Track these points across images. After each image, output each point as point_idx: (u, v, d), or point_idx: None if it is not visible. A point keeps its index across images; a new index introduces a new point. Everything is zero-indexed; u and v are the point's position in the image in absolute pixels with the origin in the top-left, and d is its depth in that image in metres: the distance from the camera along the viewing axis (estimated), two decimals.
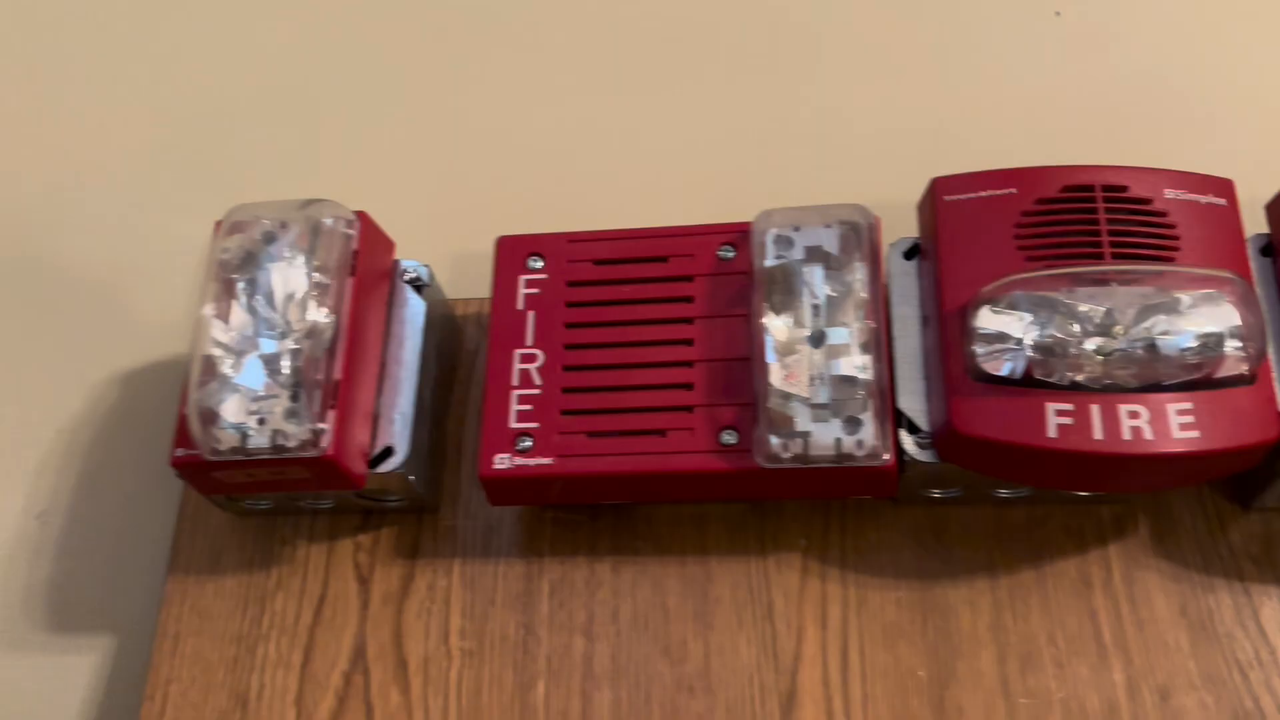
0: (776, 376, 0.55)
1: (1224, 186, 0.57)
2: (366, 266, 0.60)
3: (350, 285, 0.58)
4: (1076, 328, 0.52)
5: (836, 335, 0.56)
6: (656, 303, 0.59)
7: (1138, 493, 0.59)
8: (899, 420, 0.56)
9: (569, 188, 0.73)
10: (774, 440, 0.54)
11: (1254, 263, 0.58)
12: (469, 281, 0.68)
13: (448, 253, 0.70)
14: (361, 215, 0.60)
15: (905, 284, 0.59)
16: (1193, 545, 0.59)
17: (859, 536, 0.61)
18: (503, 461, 0.57)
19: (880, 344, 0.56)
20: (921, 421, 0.55)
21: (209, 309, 0.56)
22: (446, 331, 0.66)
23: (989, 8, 0.76)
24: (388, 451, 0.59)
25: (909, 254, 0.60)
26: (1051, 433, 0.51)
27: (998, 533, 0.61)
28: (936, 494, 0.60)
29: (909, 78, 0.74)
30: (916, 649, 0.59)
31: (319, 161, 0.77)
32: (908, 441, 0.55)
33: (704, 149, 0.74)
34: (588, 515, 0.63)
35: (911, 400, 0.56)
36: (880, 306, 0.57)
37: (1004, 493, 0.59)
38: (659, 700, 0.59)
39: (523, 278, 0.61)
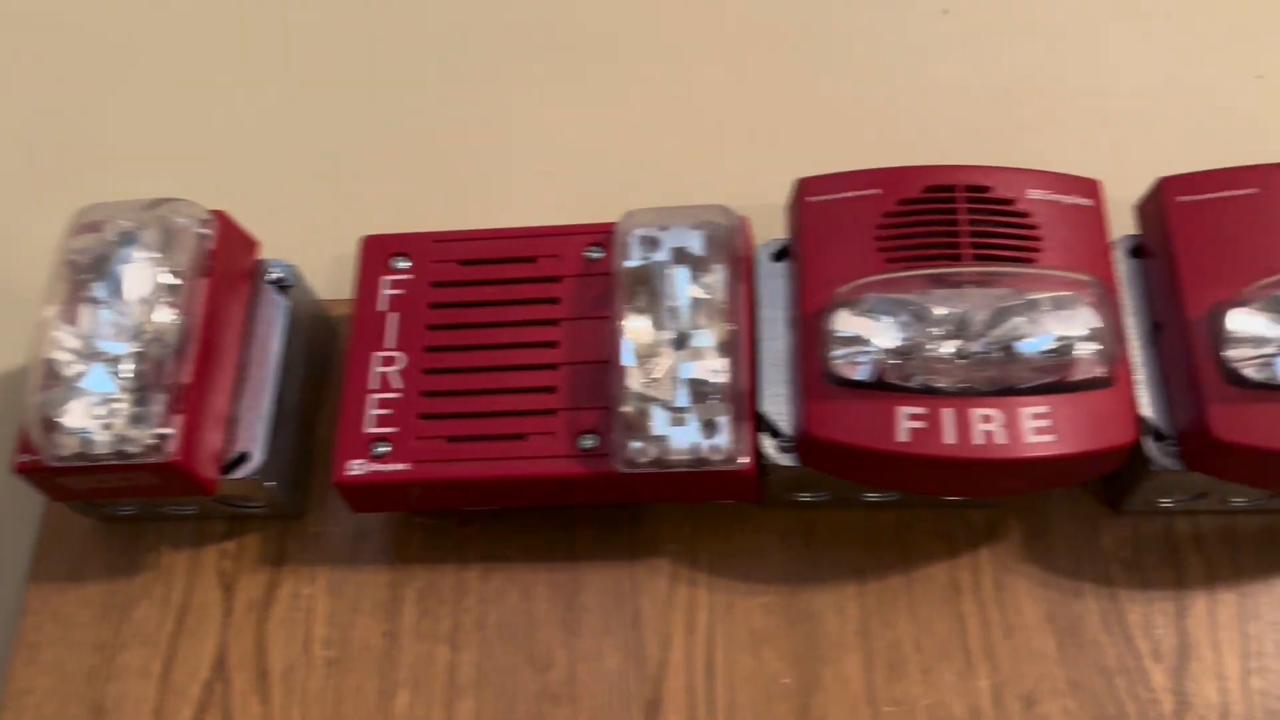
0: (634, 379, 0.54)
1: (1090, 187, 0.56)
2: (224, 267, 0.59)
3: (204, 286, 0.57)
4: (932, 330, 0.52)
5: (697, 338, 0.55)
6: (522, 304, 0.58)
7: (999, 497, 0.58)
8: (761, 424, 0.55)
9: (453, 188, 0.72)
10: (631, 444, 0.53)
11: (1123, 264, 0.57)
12: (347, 283, 0.67)
13: (329, 254, 0.68)
14: (219, 214, 0.59)
15: (773, 286, 0.58)
16: (1064, 549, 0.59)
17: (729, 540, 0.60)
18: (357, 467, 0.56)
19: (742, 347, 0.55)
20: (784, 425, 0.55)
21: (53, 311, 0.55)
22: (317, 333, 0.65)
23: (875, 3, 0.75)
24: (244, 457, 0.57)
25: (778, 256, 0.59)
26: (902, 437, 0.50)
27: (867, 537, 0.60)
28: (805, 498, 0.59)
29: (789, 74, 0.73)
30: (783, 655, 0.58)
31: (190, 161, 0.75)
32: (768, 445, 0.55)
33: (580, 148, 0.73)
34: (457, 521, 0.62)
35: (776, 404, 0.55)
36: (745, 309, 0.56)
37: (872, 497, 0.59)
38: (522, 709, 0.58)
39: (386, 278, 0.60)
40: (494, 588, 0.61)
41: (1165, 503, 0.57)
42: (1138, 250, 0.57)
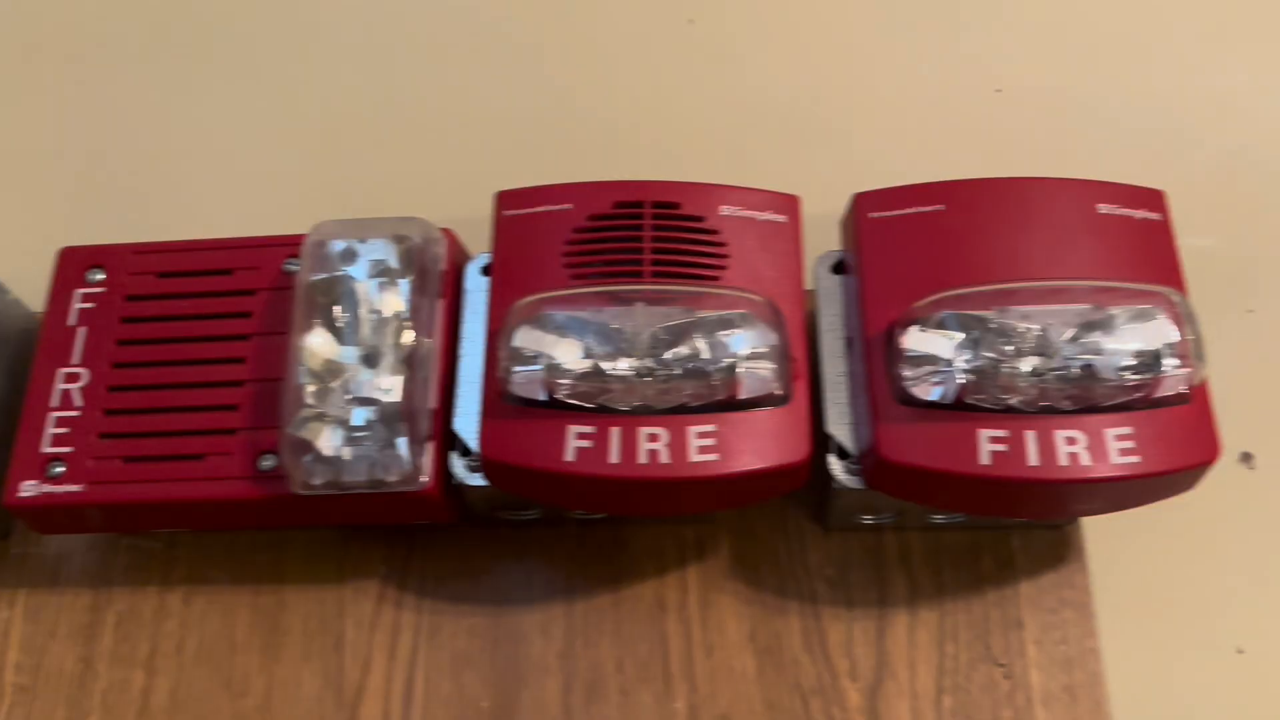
0: (307, 397, 0.52)
1: (788, 203, 0.56)
2: None
3: None
4: (612, 349, 0.51)
5: (382, 355, 0.53)
6: (215, 318, 0.57)
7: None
8: (454, 442, 0.53)
9: (170, 199, 0.70)
10: (305, 465, 0.52)
11: (823, 280, 0.56)
12: None
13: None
14: None
15: (478, 300, 0.57)
16: (771, 567, 0.58)
17: (440, 561, 0.59)
18: (29, 489, 0.54)
19: (433, 363, 0.54)
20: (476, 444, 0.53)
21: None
22: (27, 347, 0.62)
23: (618, 9, 0.74)
24: None
25: (487, 270, 0.58)
26: (569, 455, 0.49)
27: (580, 555, 0.59)
28: (511, 516, 0.58)
29: (525, 79, 0.72)
30: (483, 678, 0.57)
31: None
32: (458, 464, 0.53)
33: (295, 159, 0.71)
34: (164, 543, 0.60)
35: (469, 422, 0.54)
36: (443, 324, 0.55)
37: (580, 514, 0.58)
38: None
39: (79, 291, 0.58)
40: (196, 611, 0.59)
41: (866, 519, 0.57)
42: (839, 266, 0.56)
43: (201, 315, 0.57)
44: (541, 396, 0.51)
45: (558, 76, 0.73)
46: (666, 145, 0.69)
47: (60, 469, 0.54)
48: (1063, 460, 0.48)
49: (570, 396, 0.50)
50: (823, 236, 0.57)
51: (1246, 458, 0.61)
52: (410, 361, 0.53)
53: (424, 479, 0.52)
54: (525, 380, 0.50)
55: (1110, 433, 0.48)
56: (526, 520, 0.59)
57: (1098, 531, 0.59)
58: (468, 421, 0.54)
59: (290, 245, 0.58)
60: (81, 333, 0.57)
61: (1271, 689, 0.57)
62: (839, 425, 0.53)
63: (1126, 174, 0.56)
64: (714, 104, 0.71)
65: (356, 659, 0.57)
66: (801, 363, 0.52)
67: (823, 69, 0.72)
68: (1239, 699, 0.57)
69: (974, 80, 0.70)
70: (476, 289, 0.57)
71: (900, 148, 0.69)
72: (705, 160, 0.68)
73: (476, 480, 0.53)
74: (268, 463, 0.53)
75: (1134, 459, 0.48)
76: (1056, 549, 0.58)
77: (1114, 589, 0.58)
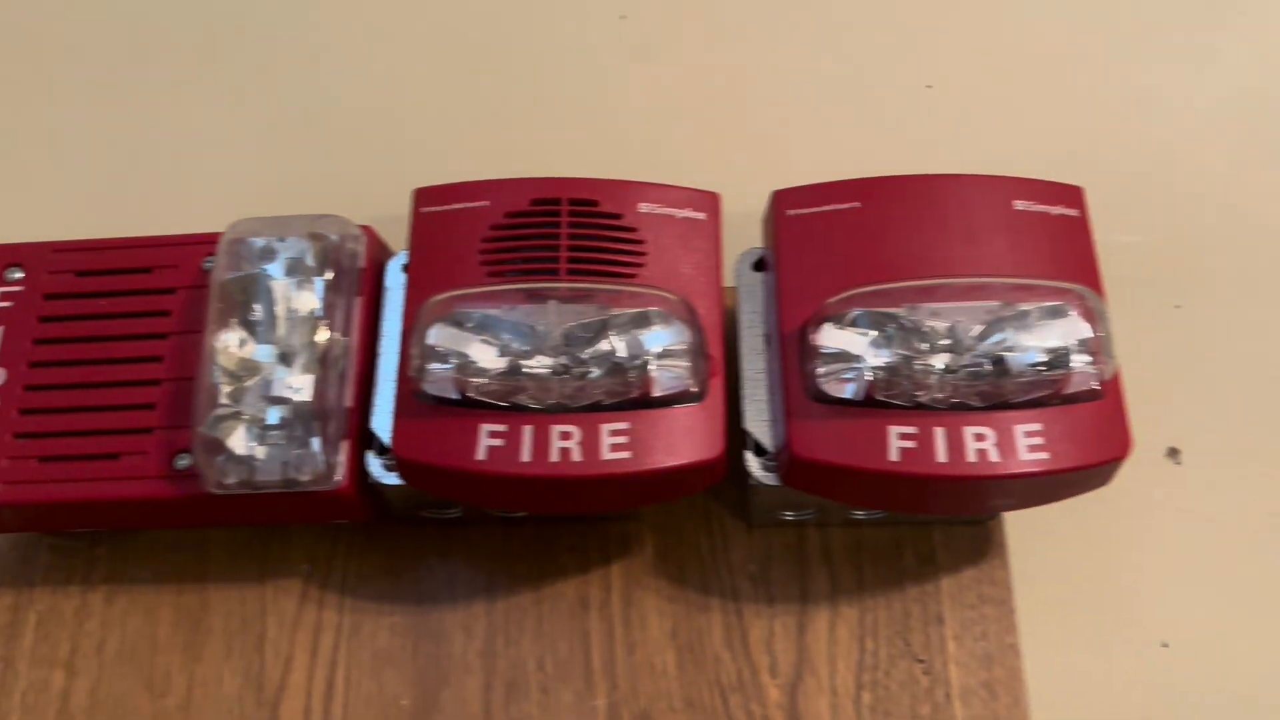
0: (221, 397, 0.52)
1: (708, 200, 0.55)
2: None
3: None
4: (529, 347, 0.51)
5: (296, 353, 0.53)
6: (133, 317, 0.56)
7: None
8: (372, 441, 0.53)
9: (100, 196, 0.69)
10: (218, 465, 0.52)
11: (744, 278, 0.56)
12: None
13: None
14: None
15: (398, 298, 0.56)
16: (695, 564, 0.58)
17: (363, 559, 0.59)
18: None
19: (349, 362, 0.54)
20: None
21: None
22: None
23: (549, 5, 0.74)
24: None
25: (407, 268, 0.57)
26: (481, 455, 0.49)
27: (503, 553, 0.59)
28: (434, 515, 0.58)
29: (449, 76, 0.72)
30: (404, 677, 0.56)
31: None
32: (374, 463, 0.53)
33: (223, 157, 0.71)
34: (86, 542, 0.60)
35: (387, 420, 0.54)
36: (361, 322, 0.55)
37: (501, 513, 0.58)
38: None
39: None
40: (118, 610, 0.59)
41: (788, 516, 0.57)
42: (760, 264, 0.56)
43: (120, 314, 0.56)
44: (454, 395, 0.50)
45: (483, 73, 0.72)
46: (590, 143, 0.69)
47: None
48: (971, 457, 0.48)
49: (483, 395, 0.50)
50: (752, 235, 0.58)
51: (1173, 453, 0.62)
52: (325, 360, 0.53)
53: (338, 478, 0.52)
54: (437, 379, 0.50)
55: (1020, 429, 0.48)
56: (449, 519, 0.58)
57: (1021, 527, 0.59)
58: (385, 420, 0.54)
59: (209, 244, 0.57)
60: None
61: (1196, 682, 0.57)
62: (757, 422, 0.53)
63: (1056, 171, 0.56)
64: (645, 100, 0.71)
65: (278, 657, 0.57)
66: (718, 360, 0.52)
67: (755, 66, 0.72)
68: (1164, 693, 0.57)
69: (906, 77, 0.70)
70: (397, 287, 0.57)
71: (832, 144, 0.69)
72: (634, 158, 0.68)
73: (393, 479, 0.53)
74: (183, 462, 0.53)
75: (1043, 455, 0.48)
76: (978, 544, 0.58)
77: (1038, 584, 0.58)
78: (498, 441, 0.49)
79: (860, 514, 0.57)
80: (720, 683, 0.55)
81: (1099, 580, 0.59)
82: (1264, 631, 0.57)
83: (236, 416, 0.52)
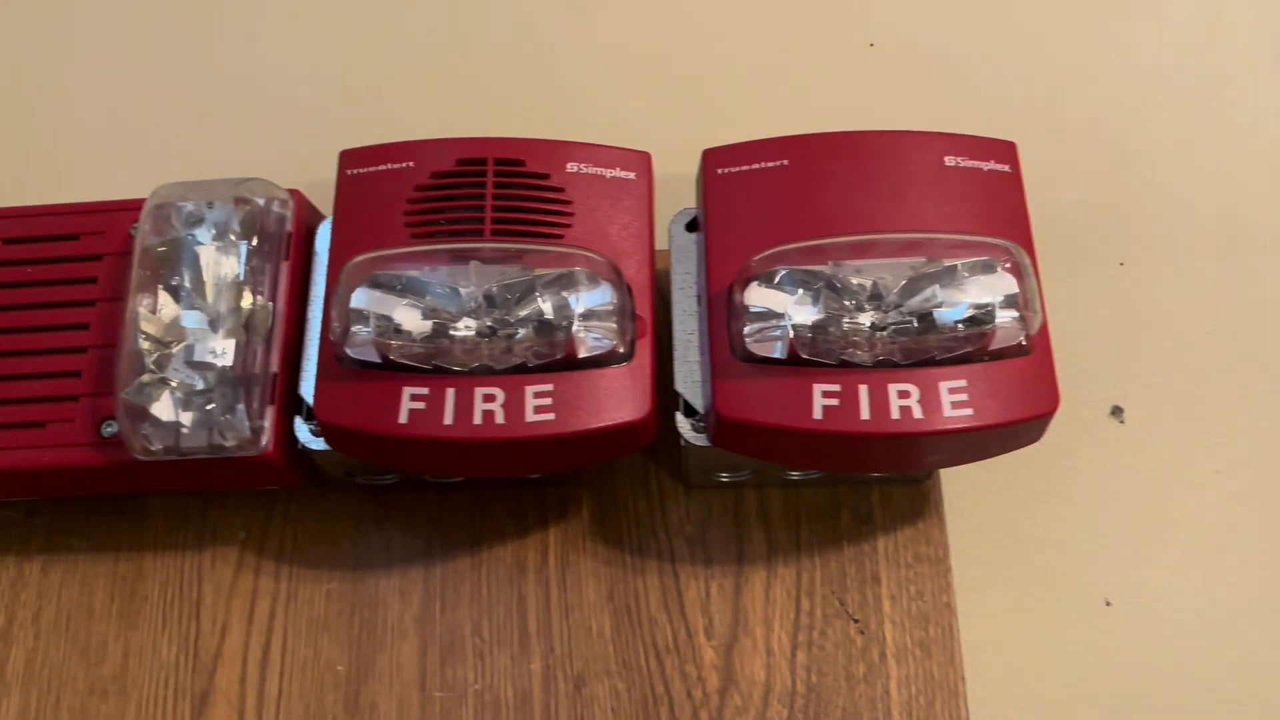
0: (145, 363, 0.51)
1: (638, 160, 0.55)
2: None
3: None
4: (457, 310, 0.50)
5: (220, 318, 0.53)
6: (59, 284, 0.56)
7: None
8: (300, 406, 0.53)
9: (27, 162, 0.69)
10: (143, 431, 0.51)
11: (677, 239, 0.56)
12: None
13: None
14: None
15: (325, 260, 0.56)
16: (631, 526, 0.58)
17: (300, 526, 0.59)
18: None
19: (276, 326, 0.53)
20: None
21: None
22: None
23: None
24: None
25: None
26: (403, 418, 0.49)
27: (441, 519, 0.58)
28: (367, 481, 0.57)
29: (381, 36, 0.71)
30: (340, 643, 0.56)
31: None
32: (301, 428, 0.53)
33: (153, 121, 0.70)
34: (22, 512, 0.60)
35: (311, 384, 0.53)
36: (288, 287, 0.54)
37: (441, 479, 0.57)
38: (69, 704, 0.56)
39: None
40: (54, 580, 0.58)
41: (723, 477, 0.57)
42: (693, 224, 0.56)
43: (46, 281, 0.56)
44: (376, 358, 0.50)
45: (415, 34, 0.72)
46: (522, 104, 0.68)
47: None
48: (895, 414, 0.47)
49: (406, 358, 0.50)
50: (689, 197, 0.57)
51: (1117, 411, 0.61)
52: (250, 325, 0.52)
53: (264, 444, 0.52)
54: (359, 342, 0.50)
55: (945, 385, 0.48)
56: (384, 485, 0.58)
57: (961, 486, 0.59)
58: (312, 385, 0.53)
59: (136, 209, 0.57)
60: None
61: (1140, 640, 0.57)
62: (688, 383, 0.52)
63: (999, 130, 0.55)
64: (580, 59, 0.70)
65: (214, 625, 0.57)
66: (646, 321, 0.51)
67: (695, 23, 0.71)
68: (1107, 651, 0.57)
69: (848, 34, 0.69)
70: (327, 251, 0.56)
71: (775, 104, 0.68)
72: (569, 119, 0.67)
73: (320, 445, 0.53)
74: (110, 429, 0.53)
75: (968, 412, 0.47)
76: (916, 504, 0.57)
77: (977, 544, 0.58)
78: (420, 405, 0.49)
79: (796, 474, 0.57)
80: (656, 644, 0.55)
81: (1042, 539, 0.59)
82: (1207, 590, 0.57)
83: (161, 383, 0.51)
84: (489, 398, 0.49)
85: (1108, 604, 0.58)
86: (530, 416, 0.49)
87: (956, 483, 0.59)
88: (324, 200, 0.57)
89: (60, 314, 0.55)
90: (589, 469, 0.59)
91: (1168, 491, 0.60)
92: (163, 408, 0.51)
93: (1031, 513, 0.60)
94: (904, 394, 0.48)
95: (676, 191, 0.58)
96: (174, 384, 0.51)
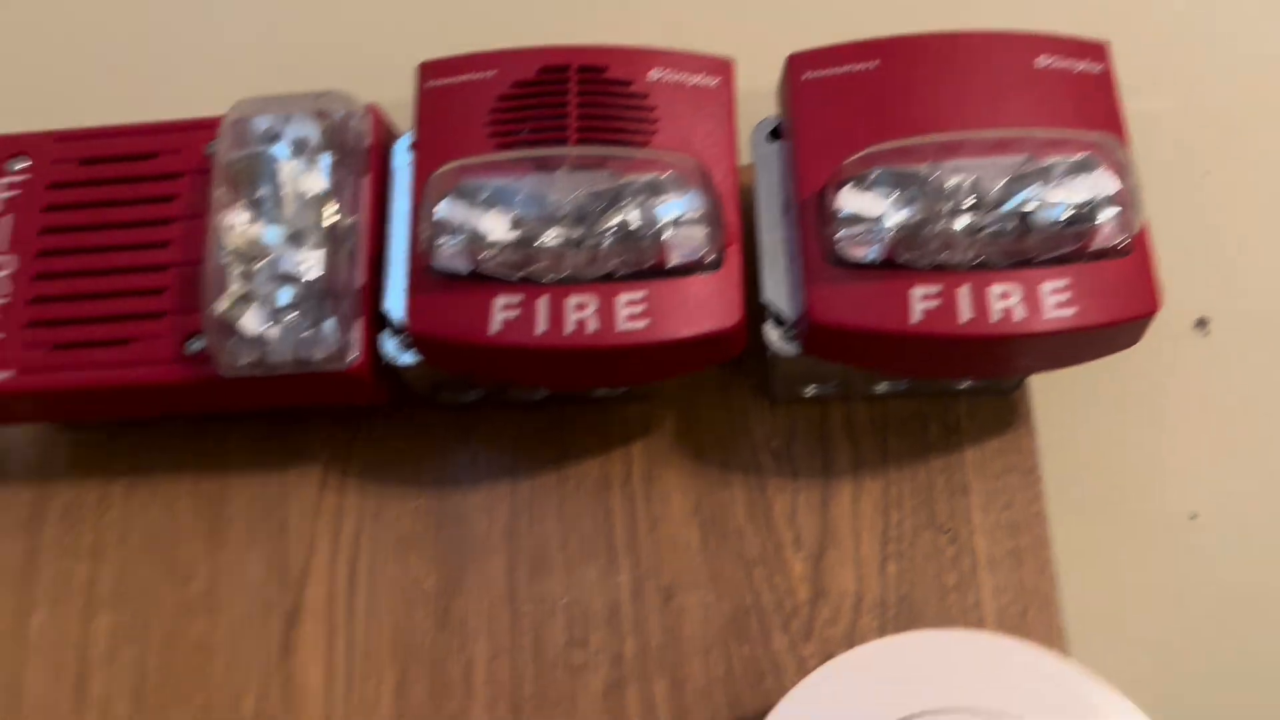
0: (230, 278, 0.51)
1: (720, 66, 0.54)
2: None
3: None
4: (547, 220, 0.49)
5: (304, 233, 0.52)
6: (139, 204, 0.56)
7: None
8: (384, 322, 0.53)
9: (102, 82, 0.68)
10: (230, 347, 0.51)
11: (760, 148, 0.55)
12: None
13: None
14: None
15: (405, 178, 0.55)
16: (715, 441, 0.58)
17: (383, 446, 0.59)
18: None
19: (360, 241, 0.53)
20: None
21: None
22: None
23: None
24: None
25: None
26: (495, 327, 0.49)
27: (523, 437, 0.58)
28: (455, 397, 0.57)
29: None
30: (427, 559, 0.56)
31: None
32: (389, 344, 0.52)
33: (229, 36, 0.69)
34: (106, 434, 0.60)
35: (400, 300, 0.53)
36: (370, 201, 0.54)
37: (528, 395, 0.57)
38: (160, 623, 0.56)
39: (1, 180, 0.56)
40: (138, 502, 0.59)
41: (810, 391, 0.56)
42: (776, 132, 0.55)
43: (125, 201, 0.55)
44: (466, 269, 0.49)
45: None
46: (601, 12, 0.67)
47: None
48: (995, 315, 0.47)
49: (495, 267, 0.49)
50: (766, 110, 0.56)
51: (1201, 324, 0.60)
52: (334, 239, 0.52)
53: (352, 357, 0.51)
54: (448, 253, 0.49)
55: (1046, 286, 0.47)
56: (468, 404, 0.58)
57: (1048, 398, 0.58)
58: (398, 301, 0.53)
59: (213, 127, 0.56)
60: (6, 222, 0.56)
61: (1225, 553, 0.56)
62: (776, 292, 0.52)
63: (1081, 32, 0.54)
64: None
65: (300, 543, 0.57)
66: (734, 228, 0.50)
67: None
68: (1191, 564, 0.56)
69: None
70: (404, 167, 0.56)
71: (851, 9, 0.67)
72: (646, 27, 0.66)
73: (407, 359, 0.52)
74: (195, 345, 0.52)
75: (1069, 311, 0.47)
76: (1003, 416, 0.57)
77: (1063, 456, 0.58)
78: (512, 314, 0.49)
79: (883, 387, 0.56)
80: (744, 557, 0.55)
81: (1127, 452, 0.58)
82: None
83: (247, 298, 0.51)
84: (580, 306, 0.49)
85: (1193, 517, 0.57)
86: (622, 325, 0.48)
87: (1043, 394, 0.58)
88: (398, 118, 0.57)
89: (140, 233, 0.55)
90: (671, 386, 0.58)
91: (1253, 405, 0.59)
92: (250, 322, 0.51)
93: (1114, 425, 0.59)
94: (1004, 295, 0.47)
95: (753, 106, 0.57)
96: (260, 299, 0.51)
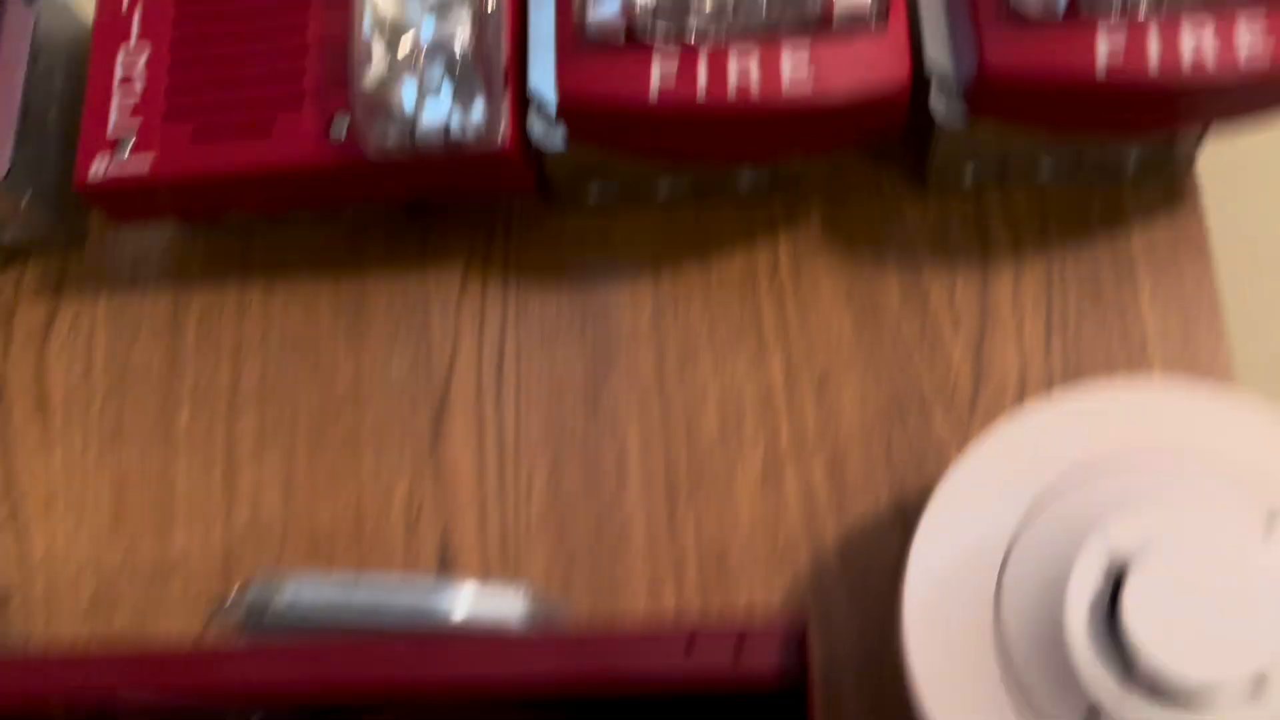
0: (376, 55, 0.50)
1: None
2: None
3: None
4: None
5: (450, 7, 0.50)
6: None
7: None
8: (532, 103, 0.51)
9: None
10: (378, 126, 0.50)
11: None
12: None
13: None
14: None
15: None
16: (865, 229, 0.56)
17: (522, 245, 0.58)
18: (99, 170, 0.52)
19: (503, 15, 0.51)
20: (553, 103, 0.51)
21: None
22: (79, 49, 0.60)
23: None
24: None
25: None
26: (653, 94, 0.47)
27: (664, 236, 0.57)
28: (595, 192, 0.56)
29: None
30: (573, 352, 0.55)
31: None
32: (536, 124, 0.51)
33: None
34: (240, 234, 0.59)
35: (546, 78, 0.51)
36: None
37: (664, 189, 0.55)
38: (306, 419, 0.56)
39: None
40: (277, 303, 0.58)
41: (967, 174, 0.54)
42: None
43: None
44: (620, 30, 0.47)
45: None
46: None
47: (128, 149, 0.52)
48: (1187, 59, 0.44)
49: (651, 30, 0.47)
50: None
51: None
52: (479, 14, 0.50)
53: (501, 136, 0.50)
54: (604, 14, 0.47)
55: (1242, 24, 0.44)
56: (606, 204, 0.56)
57: (1216, 184, 0.55)
58: (544, 80, 0.51)
59: None
60: (138, 10, 0.54)
61: None
62: (940, 56, 0.49)
63: None
64: None
65: (444, 340, 0.56)
66: None
67: None
68: None
69: None
70: None
71: None
72: None
73: (555, 141, 0.51)
74: (339, 128, 0.51)
75: (1260, 53, 0.44)
76: (1170, 202, 0.54)
77: (1232, 241, 0.55)
78: (671, 77, 0.47)
79: (1045, 171, 0.54)
80: (901, 341, 0.54)
81: None
82: None
83: (394, 76, 0.50)
84: (743, 67, 0.47)
85: None
86: (787, 86, 0.46)
87: (1208, 184, 0.55)
88: None
89: (277, 15, 0.53)
90: (817, 177, 0.56)
91: None
92: (399, 98, 0.49)
93: None
94: (1198, 36, 0.44)
95: None
96: (409, 73, 0.49)
